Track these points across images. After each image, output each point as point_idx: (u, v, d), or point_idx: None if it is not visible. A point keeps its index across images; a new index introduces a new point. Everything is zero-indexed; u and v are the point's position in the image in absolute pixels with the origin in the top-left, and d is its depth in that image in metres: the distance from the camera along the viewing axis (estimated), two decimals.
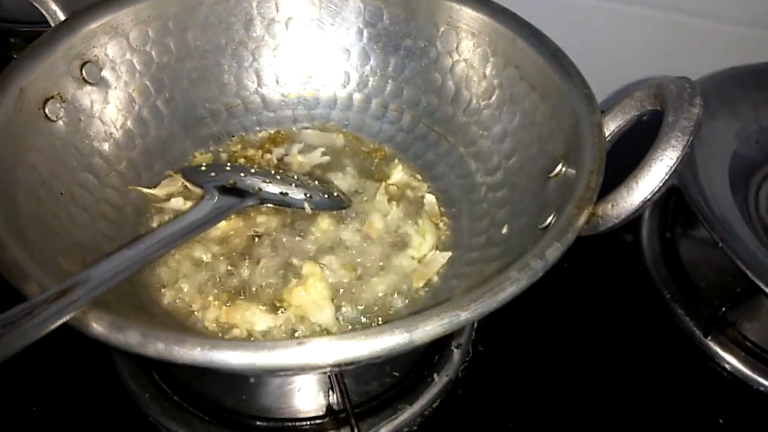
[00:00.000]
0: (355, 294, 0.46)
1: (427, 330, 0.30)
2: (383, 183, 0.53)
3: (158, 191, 0.49)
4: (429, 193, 0.53)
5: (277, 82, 0.57)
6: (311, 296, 0.44)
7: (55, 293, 0.30)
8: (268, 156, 0.54)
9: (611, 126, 0.42)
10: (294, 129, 0.57)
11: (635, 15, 0.72)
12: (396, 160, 0.55)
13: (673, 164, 0.35)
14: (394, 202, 0.51)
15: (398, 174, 0.54)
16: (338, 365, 0.30)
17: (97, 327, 0.29)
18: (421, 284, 0.46)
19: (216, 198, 0.44)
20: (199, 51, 0.53)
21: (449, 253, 0.47)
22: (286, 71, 0.57)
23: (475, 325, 0.53)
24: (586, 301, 0.58)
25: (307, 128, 0.57)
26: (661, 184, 0.35)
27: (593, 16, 0.73)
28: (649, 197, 0.35)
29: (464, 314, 0.31)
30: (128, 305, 0.39)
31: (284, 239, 0.48)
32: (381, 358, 0.32)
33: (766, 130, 0.61)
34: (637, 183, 0.35)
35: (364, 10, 0.55)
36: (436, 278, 0.47)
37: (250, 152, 0.54)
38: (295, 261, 0.47)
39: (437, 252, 0.48)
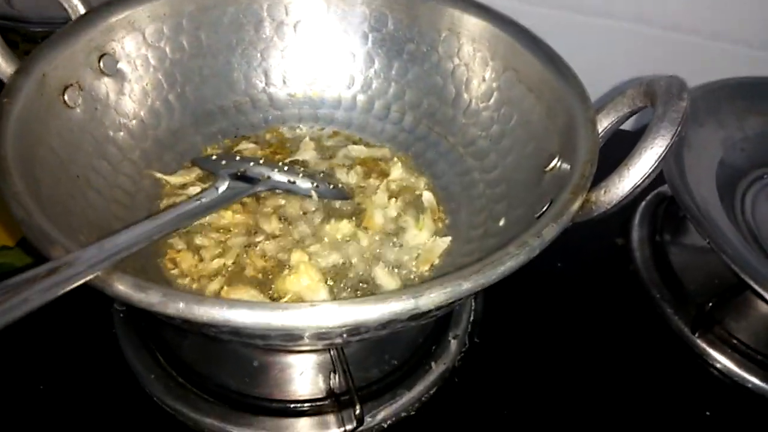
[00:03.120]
0: (352, 282, 0.48)
1: (432, 297, 0.32)
2: (384, 180, 0.55)
3: (172, 179, 0.51)
4: (427, 190, 0.55)
5: (284, 81, 0.59)
6: (304, 282, 0.45)
7: (78, 256, 0.31)
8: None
9: (604, 122, 0.44)
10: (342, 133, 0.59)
11: (628, 31, 0.76)
12: (395, 158, 0.57)
13: (662, 152, 0.37)
14: (393, 198, 0.53)
15: (398, 171, 0.56)
16: (348, 330, 0.32)
17: (120, 287, 0.31)
18: (426, 268, 0.48)
19: (227, 183, 0.46)
20: (210, 49, 0.55)
21: (449, 238, 0.50)
22: (293, 72, 0.59)
23: (472, 318, 0.55)
24: (579, 299, 0.60)
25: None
26: (650, 170, 0.37)
27: (588, 32, 0.76)
28: (639, 183, 0.37)
29: (466, 284, 0.32)
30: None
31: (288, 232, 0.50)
32: (387, 327, 0.34)
33: (751, 139, 0.64)
34: (629, 170, 0.38)
35: (370, 15, 0.57)
36: (437, 261, 0.49)
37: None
38: (283, 255, 0.48)
39: (438, 238, 0.50)
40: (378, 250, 0.50)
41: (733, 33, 0.73)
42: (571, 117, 0.45)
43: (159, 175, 0.51)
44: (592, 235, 0.63)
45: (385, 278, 0.48)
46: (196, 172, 0.53)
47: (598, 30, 0.76)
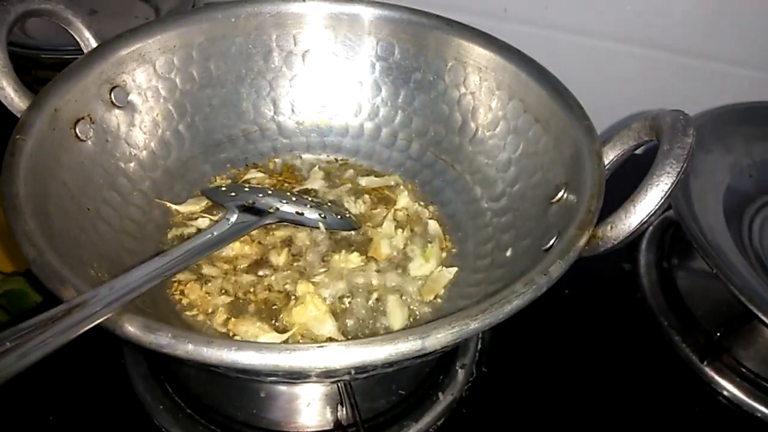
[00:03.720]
0: (358, 312, 0.48)
1: (439, 337, 0.32)
2: (392, 209, 0.55)
3: (182, 208, 0.52)
4: (432, 219, 0.55)
5: (293, 110, 0.60)
6: (310, 313, 0.46)
7: (90, 296, 0.32)
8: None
9: (610, 155, 0.44)
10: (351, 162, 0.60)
11: (635, 55, 0.76)
12: (401, 186, 0.58)
13: (668, 189, 0.37)
14: (400, 229, 0.54)
15: (404, 199, 0.56)
16: (354, 369, 0.32)
17: (131, 328, 0.31)
18: (430, 298, 0.48)
19: (236, 215, 0.47)
20: (220, 79, 0.56)
21: (455, 269, 0.50)
22: (301, 100, 0.59)
23: (479, 347, 0.55)
24: (586, 326, 0.60)
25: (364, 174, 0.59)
26: (656, 207, 0.37)
27: (594, 55, 0.77)
28: (645, 219, 0.37)
29: (473, 324, 0.33)
30: (151, 316, 0.41)
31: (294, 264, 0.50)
32: (394, 365, 0.34)
33: (759, 165, 0.63)
34: (635, 206, 0.38)
35: (377, 45, 0.58)
36: (442, 291, 0.49)
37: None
38: (290, 286, 0.49)
39: (444, 268, 0.50)
40: (385, 280, 0.50)
41: (741, 56, 0.73)
42: (578, 149, 0.45)
43: (169, 204, 0.52)
44: (599, 259, 0.63)
45: (392, 308, 0.48)
46: (205, 201, 0.53)
47: (604, 53, 0.77)
